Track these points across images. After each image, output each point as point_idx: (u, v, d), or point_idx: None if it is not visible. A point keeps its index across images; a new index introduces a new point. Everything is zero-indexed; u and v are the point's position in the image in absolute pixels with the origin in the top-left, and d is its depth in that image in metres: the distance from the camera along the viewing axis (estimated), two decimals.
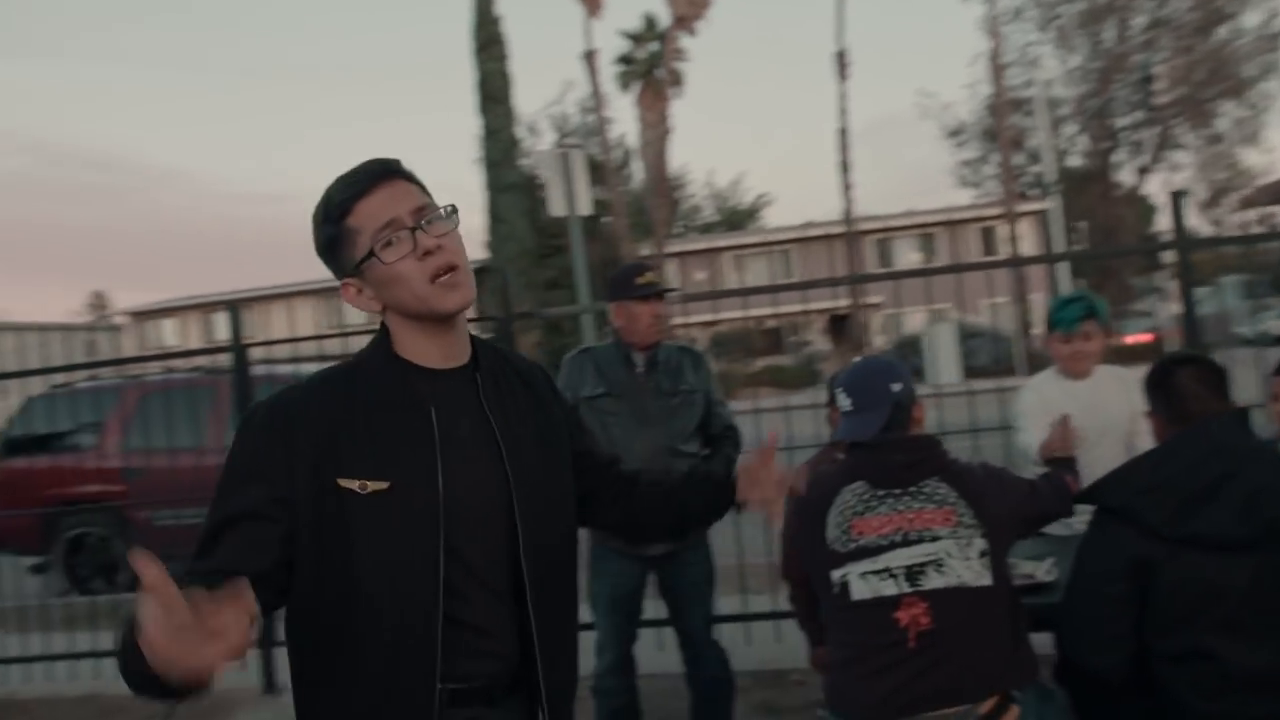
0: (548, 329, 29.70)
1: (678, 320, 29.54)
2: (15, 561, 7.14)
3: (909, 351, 24.99)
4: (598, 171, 31.00)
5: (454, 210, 1.40)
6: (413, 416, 1.36)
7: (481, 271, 29.75)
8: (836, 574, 2.09)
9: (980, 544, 2.02)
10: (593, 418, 3.12)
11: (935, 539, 2.02)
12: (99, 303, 64.53)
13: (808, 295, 26.59)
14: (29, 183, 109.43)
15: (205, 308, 36.67)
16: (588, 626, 3.62)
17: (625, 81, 29.77)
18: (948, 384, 16.39)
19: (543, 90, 66.53)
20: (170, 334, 37.54)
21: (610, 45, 36.46)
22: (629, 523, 1.72)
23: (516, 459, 1.41)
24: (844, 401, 2.20)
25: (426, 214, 1.36)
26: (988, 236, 31.44)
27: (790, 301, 25.75)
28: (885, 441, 2.13)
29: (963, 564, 2.01)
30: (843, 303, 28.97)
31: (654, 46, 29.47)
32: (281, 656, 4.62)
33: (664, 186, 30.77)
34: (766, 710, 3.85)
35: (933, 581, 2.00)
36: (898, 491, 2.08)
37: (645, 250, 30.26)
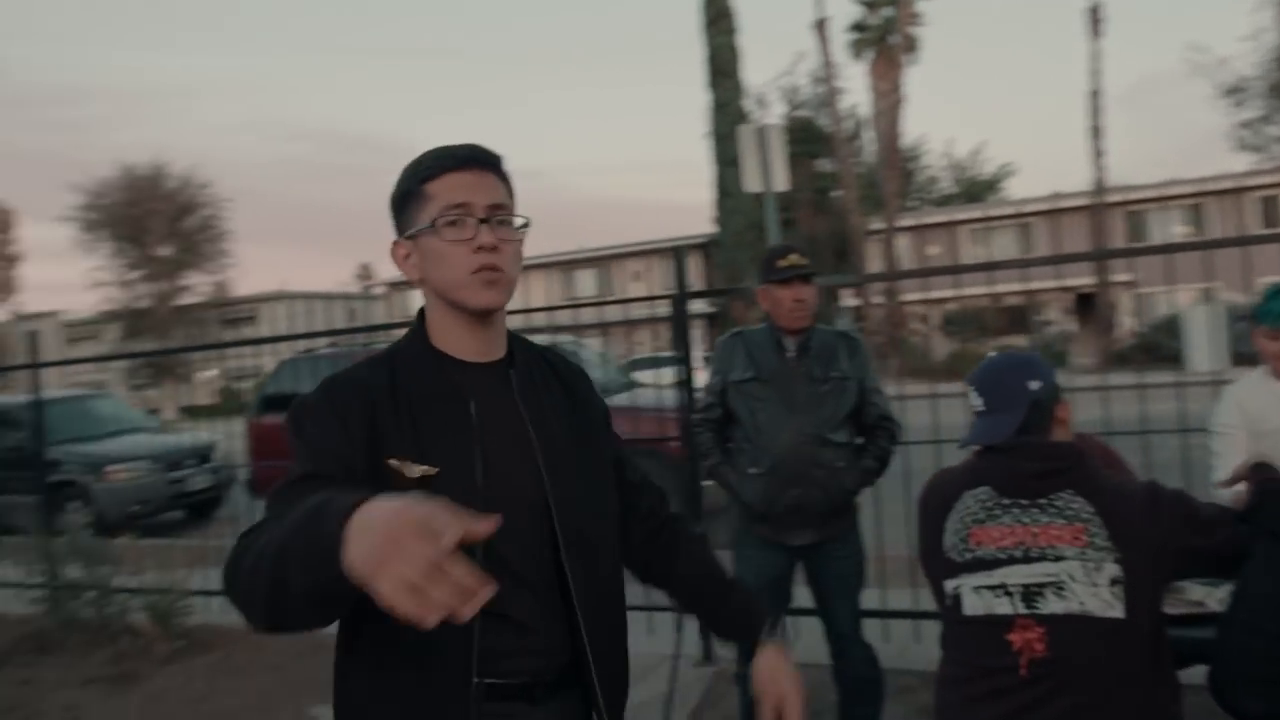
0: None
1: (905, 297, 28.52)
2: None
3: (1164, 334, 22.80)
4: (827, 144, 30.34)
5: (526, 225, 1.41)
6: (451, 407, 1.35)
7: (709, 245, 29.94)
8: (950, 584, 1.95)
9: (1112, 570, 1.80)
10: (740, 403, 3.08)
11: (1059, 559, 1.82)
12: (365, 274, 70.50)
13: (1052, 271, 24.78)
14: (310, 166, 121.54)
15: None
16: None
17: (858, 49, 28.81)
18: (1208, 371, 14.83)
19: (773, 62, 65.62)
20: (418, 304, 40.38)
21: (843, 12, 35.26)
22: (645, 570, 1.66)
23: (550, 456, 1.39)
24: (975, 401, 2.04)
25: (500, 214, 1.37)
26: (1269, 206, 27.98)
27: (1033, 278, 24.11)
28: (1017, 445, 1.95)
29: (1088, 590, 1.80)
30: (1090, 280, 26.80)
31: (888, 12, 28.31)
32: None
33: (896, 158, 29.62)
34: (930, 713, 3.67)
35: (1051, 606, 1.81)
36: (1025, 502, 1.89)
37: (876, 224, 29.33)
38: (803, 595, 3.24)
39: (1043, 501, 1.88)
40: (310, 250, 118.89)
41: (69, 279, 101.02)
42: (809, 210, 30.83)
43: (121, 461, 9.74)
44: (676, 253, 4.37)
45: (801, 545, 3.04)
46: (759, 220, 29.71)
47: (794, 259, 3.00)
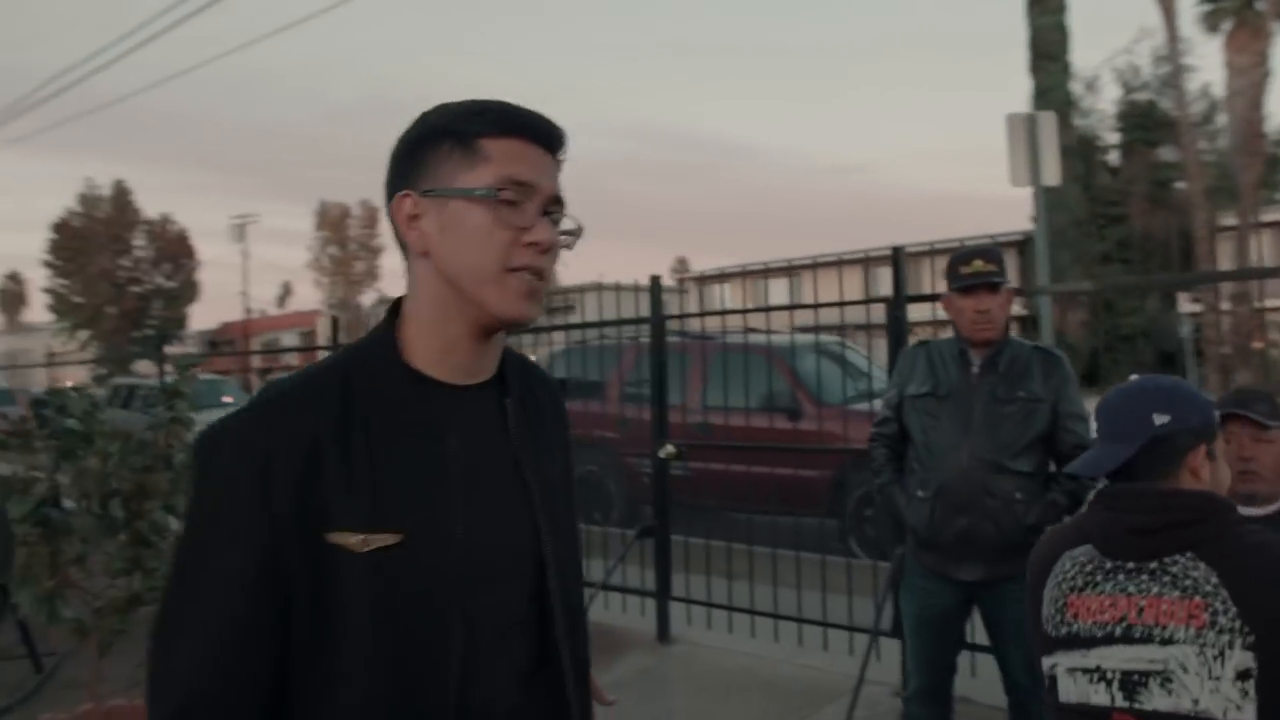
0: (1098, 307, 26.87)
1: (1272, 303, 24.75)
2: None
3: None
4: (1169, 130, 27.11)
5: (578, 233, 1.14)
6: (424, 444, 1.06)
7: (1024, 243, 27.87)
8: (1047, 663, 1.65)
9: (1241, 660, 1.42)
10: (914, 419, 2.86)
11: (1168, 641, 1.48)
12: (680, 267, 72.86)
13: None
14: (637, 163, 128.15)
15: (755, 274, 39.49)
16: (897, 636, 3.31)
17: (1213, 21, 25.40)
18: None
19: (1107, 42, 59.32)
20: (726, 298, 41.12)
21: None
22: None
23: (546, 505, 1.14)
24: (1094, 429, 1.75)
25: (558, 211, 1.10)
26: None
27: None
28: (1124, 492, 1.61)
29: (1204, 684, 1.44)
30: None
31: None
32: (677, 610, 4.95)
33: (1257, 143, 25.80)
34: None
35: (1155, 700, 1.48)
36: (1130, 566, 1.55)
37: (1229, 220, 25.81)
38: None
39: (1153, 566, 1.53)
40: (630, 243, 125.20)
41: None
42: (1144, 204, 27.78)
43: None
44: (895, 254, 4.13)
45: (969, 580, 2.76)
46: (1084, 216, 27.24)
47: (979, 265, 2.73)
